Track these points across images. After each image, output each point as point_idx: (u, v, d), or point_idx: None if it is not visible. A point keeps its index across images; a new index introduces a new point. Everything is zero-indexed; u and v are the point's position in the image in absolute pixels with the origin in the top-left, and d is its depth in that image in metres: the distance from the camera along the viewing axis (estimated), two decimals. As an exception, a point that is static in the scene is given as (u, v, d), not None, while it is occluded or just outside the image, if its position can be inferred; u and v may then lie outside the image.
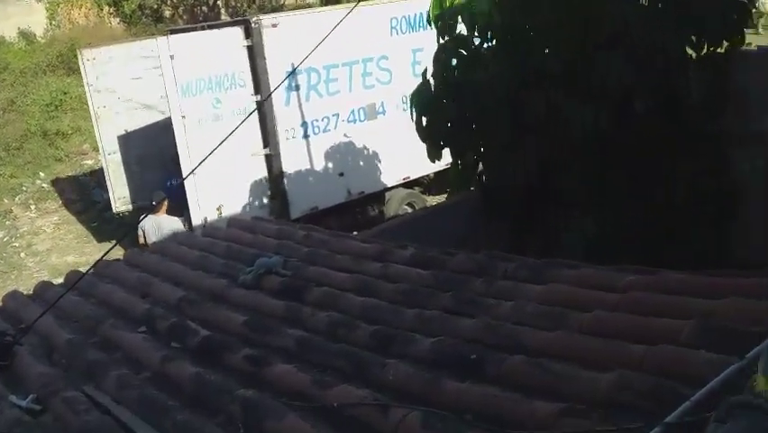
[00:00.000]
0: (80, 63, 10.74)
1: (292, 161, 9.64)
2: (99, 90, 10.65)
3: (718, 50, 5.04)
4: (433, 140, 5.86)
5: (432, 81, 5.72)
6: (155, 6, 28.09)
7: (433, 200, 11.67)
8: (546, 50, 5.23)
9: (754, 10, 5.98)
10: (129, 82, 10.60)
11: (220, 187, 8.99)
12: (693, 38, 4.99)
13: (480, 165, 5.86)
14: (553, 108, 5.00)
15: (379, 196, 10.73)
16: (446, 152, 5.95)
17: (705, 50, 5.03)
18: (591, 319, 2.56)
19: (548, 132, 5.11)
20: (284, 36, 9.32)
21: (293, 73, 9.42)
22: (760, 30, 23.92)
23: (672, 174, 5.00)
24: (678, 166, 4.96)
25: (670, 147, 4.89)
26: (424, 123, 5.80)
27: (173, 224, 8.67)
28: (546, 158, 5.21)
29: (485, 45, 5.63)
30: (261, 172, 9.58)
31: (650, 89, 4.79)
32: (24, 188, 13.99)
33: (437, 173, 10.63)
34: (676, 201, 4.95)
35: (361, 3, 12.92)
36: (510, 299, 2.93)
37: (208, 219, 8.91)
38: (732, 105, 4.81)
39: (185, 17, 28.49)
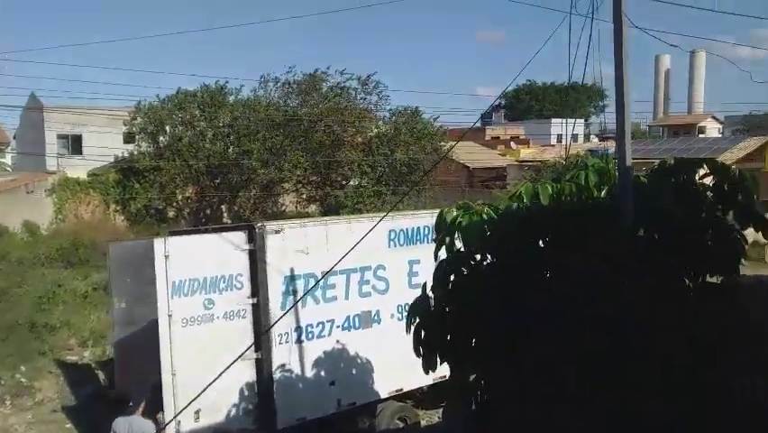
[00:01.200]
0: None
1: (283, 367, 9.40)
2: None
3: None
4: (430, 351, 5.77)
5: (431, 294, 5.79)
6: (160, 207, 29.33)
7: (425, 415, 11.22)
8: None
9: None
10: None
11: (192, 386, 8.62)
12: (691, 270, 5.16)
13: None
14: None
15: (371, 408, 10.32)
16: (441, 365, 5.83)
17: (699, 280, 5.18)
18: None
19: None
20: (287, 243, 9.59)
21: (292, 279, 9.58)
22: (766, 259, 25.04)
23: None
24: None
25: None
26: (422, 334, 5.76)
27: (144, 427, 8.29)
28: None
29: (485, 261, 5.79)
30: (249, 377, 9.28)
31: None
32: (2, 382, 13.44)
33: (431, 386, 10.34)
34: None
35: (362, 216, 13.55)
36: None
37: (182, 425, 8.48)
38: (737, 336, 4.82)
39: (189, 218, 29.64)
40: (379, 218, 10.84)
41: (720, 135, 54.66)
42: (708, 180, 5.69)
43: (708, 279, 5.31)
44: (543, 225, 5.49)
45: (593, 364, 4.93)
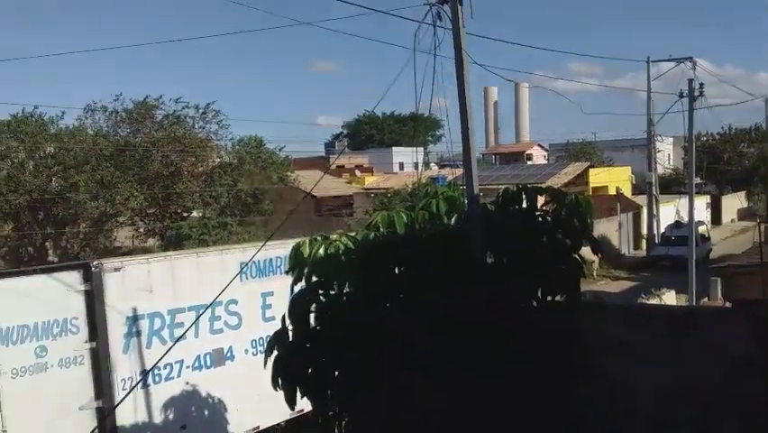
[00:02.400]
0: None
1: (128, 414, 8.73)
2: None
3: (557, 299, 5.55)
4: (291, 385, 5.61)
5: (289, 326, 5.65)
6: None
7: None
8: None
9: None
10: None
11: None
12: (536, 292, 5.47)
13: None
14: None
15: (226, 449, 9.85)
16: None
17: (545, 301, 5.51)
18: None
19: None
20: (128, 281, 8.97)
21: (135, 319, 8.97)
22: (594, 275, 27.32)
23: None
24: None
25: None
26: (281, 368, 5.59)
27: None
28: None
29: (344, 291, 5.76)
30: (90, 428, 8.50)
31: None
32: None
33: (288, 422, 10.10)
34: None
35: (211, 248, 13.05)
36: None
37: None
38: (581, 351, 5.15)
39: (9, 258, 26.89)
40: (230, 249, 10.52)
41: (546, 162, 59.37)
42: (547, 206, 6.10)
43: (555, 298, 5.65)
44: (405, 253, 5.57)
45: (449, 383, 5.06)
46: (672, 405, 5.20)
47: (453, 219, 6.22)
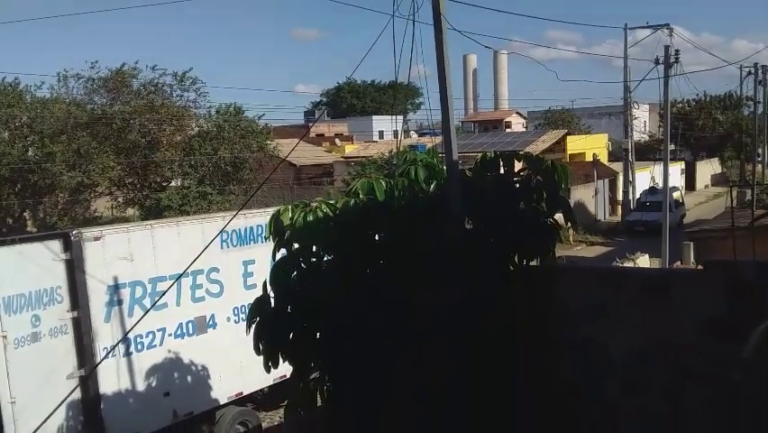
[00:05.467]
0: None
1: (111, 383, 8.79)
2: None
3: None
4: (273, 350, 5.72)
5: (271, 293, 5.74)
6: (-48, 217, 26.01)
7: (266, 417, 11.08)
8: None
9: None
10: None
11: (29, 415, 7.81)
12: (514, 257, 5.60)
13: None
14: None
15: (210, 415, 9.97)
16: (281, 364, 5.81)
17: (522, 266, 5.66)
18: None
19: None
20: (108, 250, 8.96)
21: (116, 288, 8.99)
22: (571, 240, 27.69)
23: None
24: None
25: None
26: (264, 333, 5.69)
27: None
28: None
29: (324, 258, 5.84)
30: (75, 395, 8.56)
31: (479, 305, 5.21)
32: None
33: (271, 387, 10.24)
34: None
35: (192, 217, 13.01)
36: None
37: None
38: (554, 315, 5.29)
39: (-13, 228, 26.56)
40: (210, 218, 10.52)
41: (525, 129, 59.53)
42: (524, 172, 6.19)
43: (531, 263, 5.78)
44: (383, 220, 5.65)
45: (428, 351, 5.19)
46: (646, 366, 5.36)
47: (433, 186, 6.30)
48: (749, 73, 41.36)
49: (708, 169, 52.42)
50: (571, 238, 27.64)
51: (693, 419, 5.05)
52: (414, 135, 53.67)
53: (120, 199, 28.98)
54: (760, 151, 45.34)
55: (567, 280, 5.64)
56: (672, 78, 22.27)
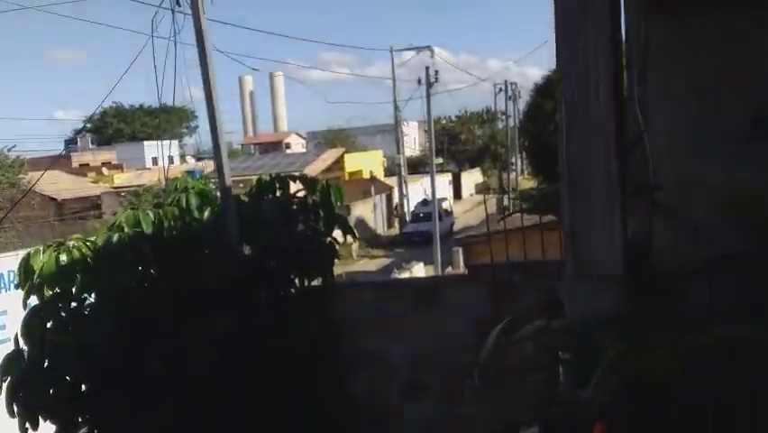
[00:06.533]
0: None
1: None
2: None
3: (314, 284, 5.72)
4: (29, 412, 5.05)
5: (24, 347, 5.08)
6: None
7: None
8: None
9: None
10: None
11: None
12: (294, 279, 5.59)
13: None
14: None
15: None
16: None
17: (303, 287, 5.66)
18: None
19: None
20: None
21: None
22: (354, 256, 28.35)
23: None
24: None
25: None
26: (16, 395, 5.01)
27: None
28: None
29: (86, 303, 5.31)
30: None
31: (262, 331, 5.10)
32: None
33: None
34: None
35: None
36: None
37: None
38: (338, 332, 5.34)
39: None
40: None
41: (305, 150, 60.49)
42: (301, 193, 6.22)
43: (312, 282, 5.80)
44: (153, 254, 5.28)
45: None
46: (425, 369, 5.64)
47: (207, 213, 6.06)
48: (500, 90, 46.21)
49: (472, 178, 57.42)
50: (354, 253, 28.53)
51: (467, 413, 5.40)
52: (191, 160, 51.90)
53: None
54: (513, 160, 50.76)
55: (346, 297, 5.75)
56: (436, 97, 24.13)
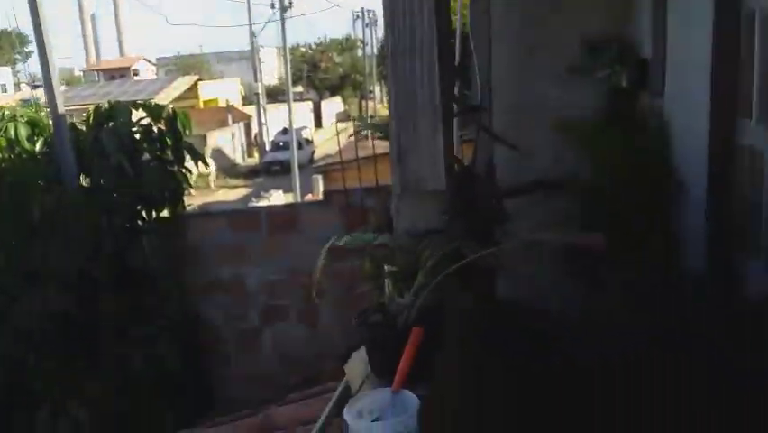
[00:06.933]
0: None
1: None
2: None
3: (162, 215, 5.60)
4: None
5: None
6: None
7: None
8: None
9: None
10: None
11: None
12: (141, 210, 5.43)
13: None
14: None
15: None
16: None
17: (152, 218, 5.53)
18: None
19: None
20: None
21: None
22: (212, 186, 27.50)
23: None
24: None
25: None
26: None
27: None
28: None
29: None
30: None
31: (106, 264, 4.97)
32: None
33: None
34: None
35: None
36: None
37: None
38: (192, 261, 5.32)
39: None
40: None
41: (156, 77, 57.01)
42: (145, 121, 5.95)
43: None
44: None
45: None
46: (282, 294, 5.79)
47: (39, 144, 5.69)
48: (357, 17, 45.74)
49: (333, 107, 57.13)
50: (212, 184, 27.82)
51: (323, 333, 5.64)
52: (26, 88, 47.40)
53: None
54: (372, 88, 51.00)
55: (199, 227, 5.69)
56: (294, 24, 23.54)
